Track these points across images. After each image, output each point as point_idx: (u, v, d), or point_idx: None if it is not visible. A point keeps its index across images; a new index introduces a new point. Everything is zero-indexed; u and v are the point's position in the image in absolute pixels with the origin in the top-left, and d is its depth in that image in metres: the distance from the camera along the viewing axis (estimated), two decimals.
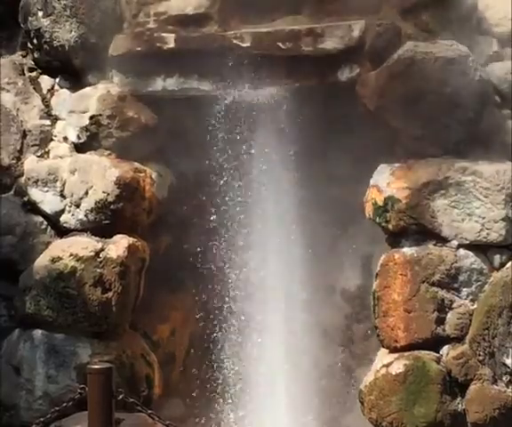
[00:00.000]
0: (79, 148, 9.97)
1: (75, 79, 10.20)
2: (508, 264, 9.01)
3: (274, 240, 9.85)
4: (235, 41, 9.56)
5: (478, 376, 8.84)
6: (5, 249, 9.95)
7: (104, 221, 9.67)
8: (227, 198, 9.93)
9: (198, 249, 10.12)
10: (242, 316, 9.98)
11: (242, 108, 9.71)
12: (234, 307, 9.93)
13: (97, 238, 9.64)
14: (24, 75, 10.47)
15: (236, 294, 9.93)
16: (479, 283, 8.96)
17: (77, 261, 9.48)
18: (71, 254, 9.50)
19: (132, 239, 9.70)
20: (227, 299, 9.95)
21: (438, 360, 9.00)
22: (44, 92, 10.37)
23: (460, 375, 8.90)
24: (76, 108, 10.03)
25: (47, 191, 9.90)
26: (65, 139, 10.08)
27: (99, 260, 9.50)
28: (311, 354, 9.96)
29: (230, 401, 9.99)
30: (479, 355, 8.88)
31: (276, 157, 9.78)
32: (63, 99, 10.27)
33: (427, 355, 8.99)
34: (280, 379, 9.84)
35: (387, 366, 9.08)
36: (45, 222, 9.92)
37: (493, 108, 9.46)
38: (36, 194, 9.91)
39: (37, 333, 9.62)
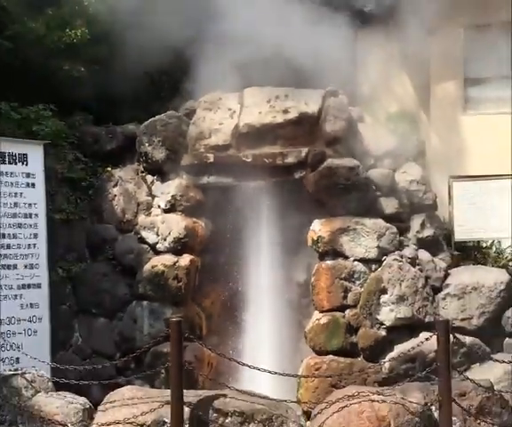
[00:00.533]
0: (166, 211, 10.66)
1: (163, 177, 10.86)
2: (379, 269, 9.89)
3: (262, 258, 10.52)
4: (243, 158, 10.32)
5: (363, 325, 9.78)
6: (128, 261, 10.59)
7: (178, 247, 10.39)
8: (238, 239, 10.60)
9: (224, 263, 10.73)
10: (247, 295, 10.64)
11: (246, 191, 10.41)
12: (242, 290, 10.64)
13: (174, 256, 10.36)
14: (138, 174, 11.02)
15: (244, 283, 10.61)
16: (364, 278, 9.87)
17: (165, 267, 10.25)
18: (162, 264, 10.29)
19: (191, 256, 10.39)
20: (239, 287, 10.68)
21: (344, 317, 9.84)
22: (149, 183, 10.97)
23: (355, 324, 9.83)
24: (164, 191, 10.75)
25: (149, 232, 10.57)
26: (158, 206, 10.76)
27: (175, 267, 10.26)
28: (282, 312, 10.47)
29: (242, 335, 10.65)
30: (364, 314, 9.80)
31: (261, 215, 10.49)
32: (158, 186, 10.92)
33: (338, 314, 9.85)
34: (267, 324, 10.41)
35: (318, 319, 9.88)
36: (149, 248, 10.55)
37: (371, 192, 10.17)
38: (144, 234, 10.61)
39: (144, 302, 10.33)
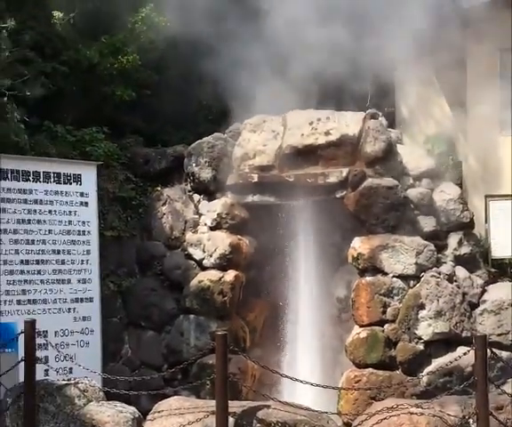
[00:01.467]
0: (211, 228, 10.67)
1: (210, 196, 10.88)
2: (417, 285, 9.81)
3: (304, 273, 10.51)
4: (286, 178, 10.31)
5: (402, 339, 9.70)
6: (176, 277, 10.61)
7: (223, 263, 10.41)
8: (281, 256, 10.64)
9: (268, 278, 10.83)
10: (290, 309, 10.62)
11: (288, 210, 10.46)
12: (285, 304, 10.60)
13: (220, 271, 10.40)
14: (186, 193, 11.09)
15: (286, 298, 10.60)
16: (402, 294, 9.81)
17: (211, 282, 10.31)
18: (208, 279, 10.36)
19: (236, 272, 10.41)
20: (282, 302, 10.65)
21: (383, 331, 9.77)
22: (196, 202, 10.99)
23: (394, 338, 9.74)
24: (210, 209, 10.79)
25: (196, 249, 10.62)
26: (205, 224, 10.78)
27: (221, 282, 10.31)
28: (323, 326, 10.52)
29: (284, 348, 10.58)
30: (402, 329, 9.72)
31: (303, 232, 10.51)
32: (204, 205, 10.93)
33: (377, 328, 9.79)
34: (309, 338, 10.42)
35: (358, 333, 9.84)
36: (195, 264, 10.59)
37: (409, 210, 10.14)
38: (191, 250, 10.66)
39: (191, 316, 10.37)
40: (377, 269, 10.00)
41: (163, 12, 11.75)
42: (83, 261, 10.03)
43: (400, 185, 10.20)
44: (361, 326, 9.99)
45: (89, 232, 10.12)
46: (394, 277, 9.98)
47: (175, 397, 7.67)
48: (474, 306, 10.03)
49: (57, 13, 10.87)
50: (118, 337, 10.69)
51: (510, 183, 11.39)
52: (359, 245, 10.10)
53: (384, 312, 9.91)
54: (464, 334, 9.76)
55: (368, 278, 10.01)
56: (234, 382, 7.60)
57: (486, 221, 10.77)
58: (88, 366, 8.28)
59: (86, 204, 10.15)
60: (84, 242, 10.06)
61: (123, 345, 10.75)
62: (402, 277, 9.97)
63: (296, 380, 7.38)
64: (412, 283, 9.99)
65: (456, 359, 7.98)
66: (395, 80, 11.68)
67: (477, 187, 11.22)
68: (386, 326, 9.91)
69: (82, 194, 10.10)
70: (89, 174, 10.18)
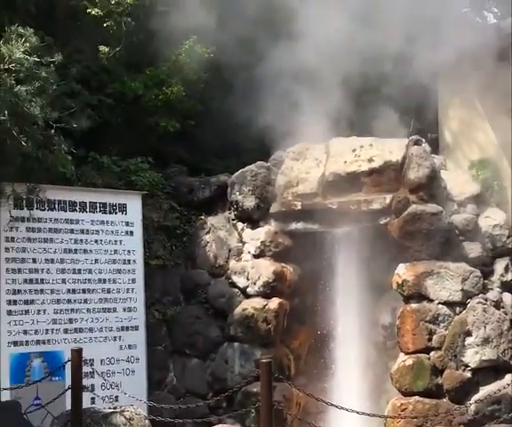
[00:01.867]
0: (255, 256, 10.73)
1: (253, 224, 10.93)
2: (463, 312, 9.68)
3: (348, 301, 10.36)
4: (329, 205, 10.30)
5: (448, 367, 9.58)
6: (220, 305, 10.67)
7: (267, 291, 10.44)
8: (325, 283, 10.56)
9: (312, 306, 10.67)
10: (334, 336, 10.51)
11: (332, 237, 10.39)
12: (329, 332, 10.50)
13: (264, 299, 10.44)
14: (229, 222, 11.15)
15: (331, 325, 10.49)
16: (448, 321, 9.67)
17: (255, 310, 10.35)
18: (252, 307, 10.40)
19: (280, 299, 10.42)
20: (326, 329, 10.53)
21: (429, 359, 9.65)
22: (239, 230, 11.05)
23: (440, 366, 9.61)
24: (254, 237, 10.86)
25: (240, 277, 10.68)
26: (248, 252, 10.84)
27: (265, 310, 10.34)
28: (368, 354, 10.45)
29: (329, 376, 10.47)
30: (449, 356, 9.59)
31: (347, 259, 10.38)
32: (248, 233, 10.98)
33: (423, 356, 9.67)
34: (354, 365, 10.32)
35: (404, 361, 9.74)
36: (239, 292, 10.65)
37: (454, 236, 10.06)
38: (235, 278, 10.72)
39: (235, 344, 10.41)
40: (422, 296, 9.89)
41: (206, 43, 11.84)
42: (128, 289, 10.15)
43: (444, 211, 10.09)
44: (406, 353, 9.88)
45: (134, 261, 10.25)
46: (439, 303, 9.85)
47: (220, 425, 7.85)
48: None
49: (103, 48, 11.04)
50: (163, 365, 10.73)
51: None
52: (404, 272, 10.01)
53: (430, 339, 9.78)
54: None
55: (413, 305, 9.90)
56: (279, 410, 7.45)
57: None
58: (134, 395, 8.35)
59: (131, 233, 10.29)
60: (129, 271, 10.18)
61: (168, 373, 10.79)
62: (447, 303, 9.84)
63: (341, 408, 7.31)
64: (458, 310, 9.86)
65: (504, 387, 7.86)
66: (438, 106, 11.56)
67: None
68: (432, 353, 9.78)
69: (127, 223, 10.25)
70: (134, 204, 10.34)
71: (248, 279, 10.68)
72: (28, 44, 8.29)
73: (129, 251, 10.21)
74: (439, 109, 11.75)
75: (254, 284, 10.62)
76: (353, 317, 10.40)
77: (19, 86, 8.10)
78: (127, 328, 10.02)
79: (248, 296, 10.65)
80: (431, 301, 9.86)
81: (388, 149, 10.42)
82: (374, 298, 10.51)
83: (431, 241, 9.96)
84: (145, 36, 11.93)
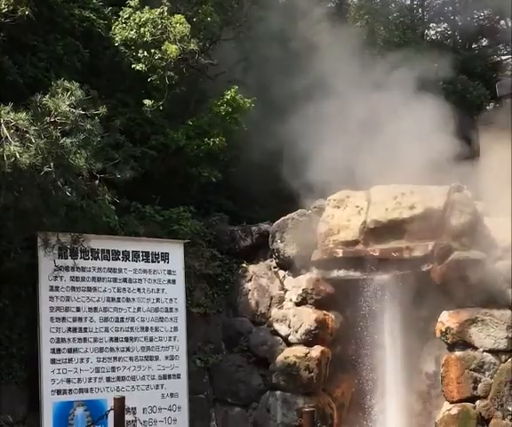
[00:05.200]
0: (297, 304, 10.66)
1: (295, 271, 10.88)
2: (509, 360, 9.51)
3: (392, 348, 10.19)
4: (371, 252, 10.23)
5: (495, 416, 9.40)
6: (262, 353, 10.62)
7: (309, 339, 10.36)
8: (367, 330, 10.32)
9: (354, 354, 10.51)
10: (377, 385, 10.34)
11: (374, 284, 10.22)
12: (372, 380, 10.32)
13: (306, 347, 10.34)
14: (271, 270, 11.13)
15: (374, 373, 10.33)
16: (494, 369, 9.51)
17: (297, 358, 10.24)
18: (294, 355, 10.29)
19: (322, 347, 10.35)
20: (369, 377, 10.34)
21: (474, 408, 9.48)
22: (281, 277, 11.03)
23: (486, 415, 9.44)
24: (295, 285, 10.81)
25: (282, 325, 10.62)
26: (290, 300, 10.77)
27: (307, 358, 10.24)
28: (412, 403, 10.27)
29: (373, 425, 10.31)
30: (495, 405, 9.41)
31: (389, 307, 10.20)
32: (289, 280, 10.96)
33: (469, 405, 9.52)
34: (397, 414, 10.19)
35: (449, 410, 9.58)
36: (281, 340, 10.58)
37: (499, 283, 9.70)
38: (277, 326, 10.67)
39: (278, 392, 10.33)
40: (466, 344, 9.75)
41: (247, 93, 11.94)
42: (170, 337, 10.14)
43: (488, 257, 9.90)
44: (451, 402, 9.72)
45: (176, 309, 10.26)
46: (484, 351, 9.68)
47: None
48: None
49: (147, 101, 11.19)
50: (205, 414, 10.69)
51: None
52: (447, 319, 9.89)
53: (475, 388, 9.62)
54: None
55: (458, 353, 9.76)
56: None
57: None
58: None
59: (174, 281, 10.31)
60: (171, 319, 10.18)
61: (210, 422, 10.74)
62: (493, 351, 9.66)
63: None
64: (503, 358, 9.65)
65: None
66: (479, 150, 11.48)
67: None
68: (477, 402, 9.62)
69: (169, 272, 10.27)
70: (176, 252, 10.37)
71: (290, 327, 10.62)
72: (73, 98, 8.40)
73: (171, 299, 10.22)
74: (480, 154, 11.64)
75: (296, 332, 10.55)
76: (396, 365, 10.25)
77: (64, 138, 8.20)
78: (169, 376, 9.98)
79: (290, 344, 10.58)
80: (476, 348, 9.69)
81: (429, 195, 10.33)
82: (418, 346, 10.35)
83: (475, 288, 9.76)
84: (188, 87, 12.09)
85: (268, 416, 10.37)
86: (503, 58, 16.33)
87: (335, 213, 10.85)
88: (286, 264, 11.04)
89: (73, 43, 10.55)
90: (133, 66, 11.18)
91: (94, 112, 8.89)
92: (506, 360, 9.62)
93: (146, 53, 11.15)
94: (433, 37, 18.01)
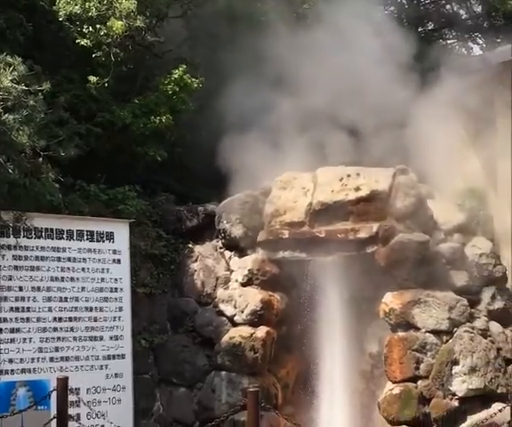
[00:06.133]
0: (243, 284, 10.65)
1: (241, 252, 10.91)
2: (450, 341, 9.68)
3: (336, 329, 10.24)
4: (317, 233, 10.26)
5: (436, 395, 9.57)
6: (208, 333, 10.57)
7: (255, 320, 10.36)
8: (312, 311, 10.41)
9: (299, 334, 10.52)
10: (321, 365, 10.40)
11: (319, 265, 10.28)
12: (317, 360, 10.37)
13: (251, 328, 10.34)
14: (217, 250, 11.11)
15: (318, 354, 10.36)
16: (436, 349, 9.67)
17: (243, 338, 10.23)
18: (239, 335, 10.29)
19: (268, 328, 10.33)
20: (313, 358, 10.40)
21: (416, 387, 9.63)
22: (227, 258, 11.03)
23: (427, 395, 9.59)
24: (241, 265, 10.82)
25: (227, 305, 10.58)
26: (236, 280, 10.76)
27: (252, 338, 10.24)
28: (356, 383, 10.35)
29: (317, 405, 10.36)
30: (436, 385, 9.58)
31: (334, 288, 10.25)
32: (235, 261, 10.96)
33: (411, 385, 9.66)
34: (341, 394, 10.22)
35: (391, 390, 9.73)
36: (227, 320, 10.53)
37: (441, 265, 10.04)
38: (222, 307, 10.61)
39: (223, 372, 10.27)
40: (409, 325, 9.88)
41: (195, 73, 11.86)
42: (115, 317, 10.02)
43: (431, 240, 10.09)
44: (394, 382, 9.84)
45: (121, 289, 10.12)
46: (427, 332, 9.84)
47: None
48: (508, 361, 9.86)
49: (92, 78, 10.98)
50: (150, 394, 10.60)
51: None
52: (391, 300, 10.00)
53: (417, 368, 9.76)
54: (499, 390, 9.57)
55: (400, 334, 9.89)
56: None
57: None
58: (120, 424, 8.25)
59: (119, 261, 10.17)
60: (116, 299, 10.05)
61: (154, 402, 10.65)
62: (435, 332, 9.83)
63: None
64: (445, 338, 9.84)
65: (491, 416, 7.80)
66: (425, 134, 11.61)
67: (509, 241, 11.04)
68: (419, 382, 9.76)
69: (114, 251, 10.13)
70: (121, 232, 10.23)
71: (235, 308, 10.59)
72: (16, 73, 8.28)
73: (116, 279, 10.08)
74: (426, 138, 11.76)
75: (242, 312, 10.53)
76: (340, 345, 10.31)
77: (6, 115, 8.07)
78: (114, 357, 9.87)
79: (235, 325, 10.55)
80: (418, 329, 9.83)
81: (374, 178, 10.43)
82: (362, 326, 10.42)
83: (418, 270, 9.93)
84: (134, 65, 11.92)
85: (213, 397, 10.32)
86: (448, 42, 16.54)
87: (281, 194, 10.88)
88: (232, 245, 11.02)
89: (16, 16, 10.27)
90: (78, 41, 10.92)
91: (38, 88, 8.74)
92: (447, 341, 9.79)
93: (91, 29, 10.89)
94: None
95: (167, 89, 11.74)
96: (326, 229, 10.31)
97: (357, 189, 10.38)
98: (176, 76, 11.71)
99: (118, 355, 9.92)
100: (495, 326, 10.03)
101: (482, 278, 10.31)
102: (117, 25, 10.72)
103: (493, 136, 11.24)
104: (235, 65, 11.33)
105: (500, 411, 7.39)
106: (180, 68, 11.74)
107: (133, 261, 10.50)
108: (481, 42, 15.88)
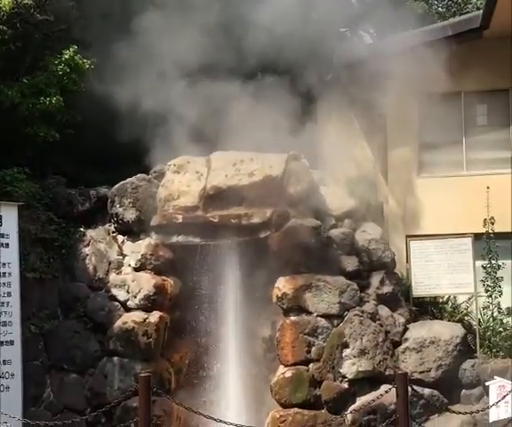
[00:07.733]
0: (136, 269, 10.58)
1: (134, 237, 10.78)
2: (341, 324, 9.89)
3: (229, 314, 10.36)
4: (210, 218, 10.29)
5: (327, 378, 9.77)
6: (100, 318, 10.40)
7: (148, 305, 10.27)
8: (206, 296, 10.52)
9: (193, 319, 10.55)
10: (214, 350, 10.48)
11: (213, 250, 10.39)
12: (210, 345, 10.49)
13: (144, 313, 10.25)
14: (109, 234, 10.95)
15: (211, 339, 10.49)
16: (327, 333, 9.84)
17: (135, 324, 10.15)
18: (132, 321, 10.19)
19: (161, 313, 10.28)
20: (207, 342, 10.51)
21: (308, 371, 9.82)
22: (119, 243, 10.87)
23: (318, 377, 9.79)
24: (134, 250, 10.70)
25: (120, 290, 10.47)
26: (129, 265, 10.66)
27: (145, 323, 10.15)
28: (249, 368, 10.42)
29: (210, 389, 10.43)
30: (327, 368, 9.78)
31: (228, 273, 10.38)
32: (128, 246, 10.83)
33: (302, 368, 9.85)
34: (234, 378, 10.35)
35: (283, 373, 9.88)
36: (119, 305, 10.42)
37: (332, 250, 10.23)
38: (115, 291, 10.48)
39: (115, 358, 10.19)
40: (301, 309, 10.03)
41: (86, 54, 11.68)
42: (3, 303, 9.74)
43: (323, 225, 10.29)
44: (286, 365, 9.98)
45: (10, 274, 9.86)
46: (318, 316, 10.02)
47: None
48: (396, 344, 10.13)
49: None
50: (40, 381, 10.39)
51: (429, 223, 11.73)
52: (283, 285, 10.12)
53: (309, 351, 9.95)
54: (387, 372, 9.84)
55: (292, 318, 10.03)
56: (158, 425, 7.60)
57: (407, 261, 10.98)
58: (8, 411, 8.16)
59: (7, 245, 9.89)
60: (4, 284, 9.77)
61: (44, 389, 10.44)
62: (326, 316, 10.02)
63: (221, 421, 7.31)
64: (335, 322, 10.05)
65: (379, 397, 8.06)
66: (317, 120, 11.85)
67: (398, 227, 11.44)
68: (311, 365, 9.95)
69: (2, 235, 9.83)
70: (10, 215, 9.93)
71: (128, 293, 10.51)
72: None
73: (4, 264, 9.81)
74: (318, 124, 12.00)
75: (135, 297, 10.46)
76: (234, 330, 10.39)
77: None
78: (2, 343, 9.62)
79: (128, 310, 10.46)
80: (310, 313, 10.01)
81: (268, 163, 10.56)
82: (255, 311, 10.50)
83: (310, 255, 10.10)
84: (22, 44, 11.59)
85: (105, 382, 10.21)
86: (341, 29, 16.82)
87: (175, 178, 10.87)
88: (125, 229, 10.93)
89: None
90: None
91: None
92: (338, 325, 10.02)
93: None
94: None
95: (57, 69, 11.57)
96: (220, 214, 10.36)
97: (251, 174, 10.48)
98: (67, 56, 11.56)
99: (7, 341, 9.66)
100: (384, 310, 10.30)
101: (371, 263, 10.56)
102: (5, 1, 10.58)
103: (384, 124, 11.55)
104: (127, 46, 11.18)
105: (386, 392, 7.65)
106: (71, 49, 11.58)
107: (22, 245, 10.22)
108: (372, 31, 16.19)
